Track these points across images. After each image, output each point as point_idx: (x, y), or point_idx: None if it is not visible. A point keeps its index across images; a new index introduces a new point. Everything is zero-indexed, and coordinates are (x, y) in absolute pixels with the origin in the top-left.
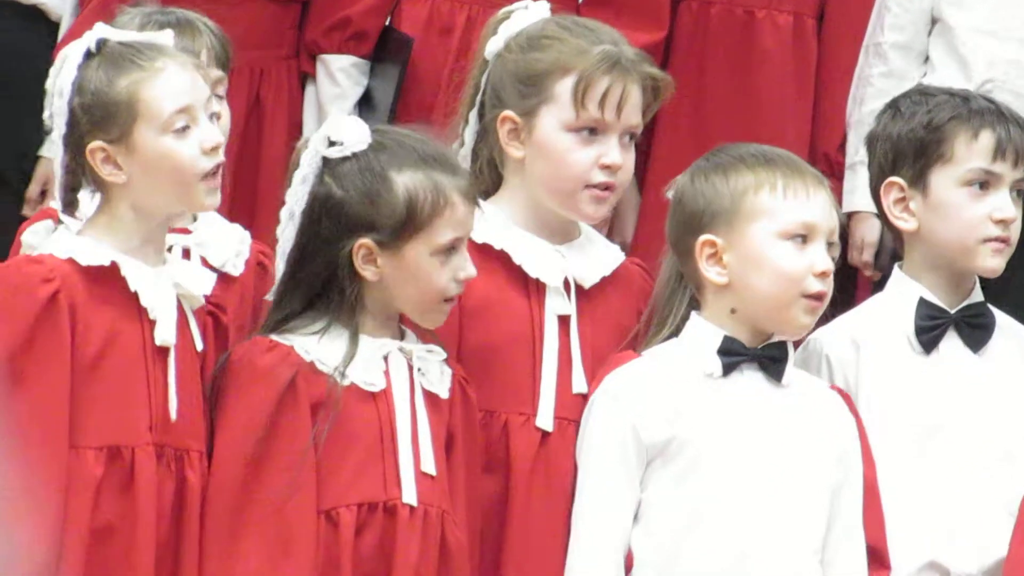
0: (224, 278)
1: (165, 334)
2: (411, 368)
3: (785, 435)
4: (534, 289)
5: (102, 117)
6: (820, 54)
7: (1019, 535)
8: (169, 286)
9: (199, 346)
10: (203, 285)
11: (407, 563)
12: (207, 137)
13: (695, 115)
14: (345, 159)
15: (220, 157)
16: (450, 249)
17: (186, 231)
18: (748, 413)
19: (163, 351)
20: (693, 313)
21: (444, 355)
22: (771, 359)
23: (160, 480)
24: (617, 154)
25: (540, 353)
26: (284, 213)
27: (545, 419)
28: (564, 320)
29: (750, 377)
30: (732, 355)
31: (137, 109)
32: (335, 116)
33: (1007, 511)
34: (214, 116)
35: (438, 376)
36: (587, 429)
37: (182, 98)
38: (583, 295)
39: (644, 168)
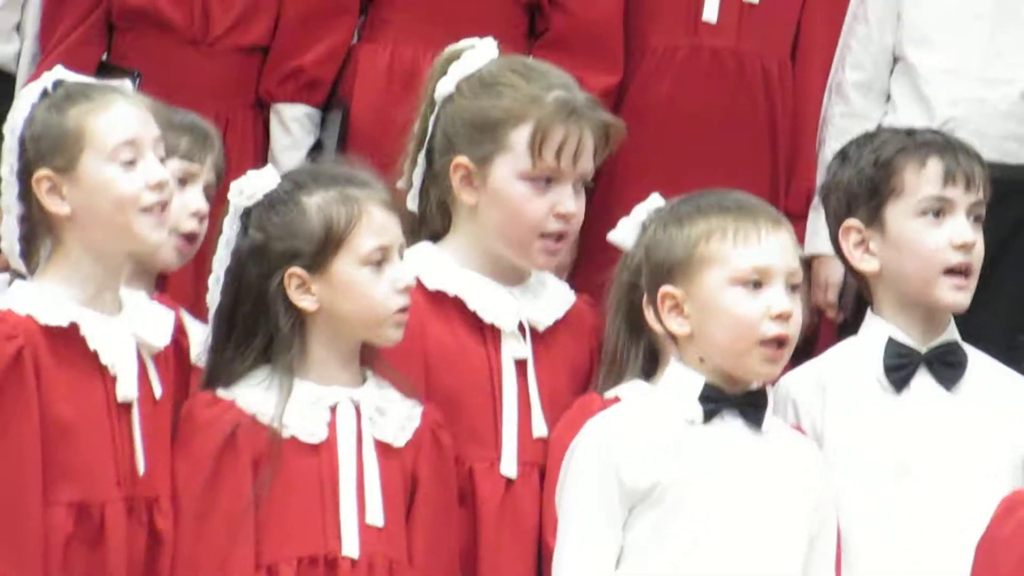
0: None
1: (127, 390)
2: (360, 417)
3: (765, 482)
4: (490, 334)
5: (50, 146)
6: (795, 90)
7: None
8: (128, 337)
9: (157, 394)
10: (162, 333)
11: None
12: (152, 173)
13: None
14: (258, 204)
15: (165, 195)
16: (380, 260)
17: None
18: (729, 459)
19: (126, 404)
20: (672, 359)
21: (408, 402)
22: (751, 406)
23: (131, 533)
24: (572, 203)
25: (500, 398)
26: (211, 280)
27: (509, 466)
28: (521, 364)
29: (730, 423)
30: (713, 402)
31: (84, 139)
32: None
33: None
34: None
35: (397, 424)
36: (569, 474)
37: (129, 131)
38: (537, 338)
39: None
